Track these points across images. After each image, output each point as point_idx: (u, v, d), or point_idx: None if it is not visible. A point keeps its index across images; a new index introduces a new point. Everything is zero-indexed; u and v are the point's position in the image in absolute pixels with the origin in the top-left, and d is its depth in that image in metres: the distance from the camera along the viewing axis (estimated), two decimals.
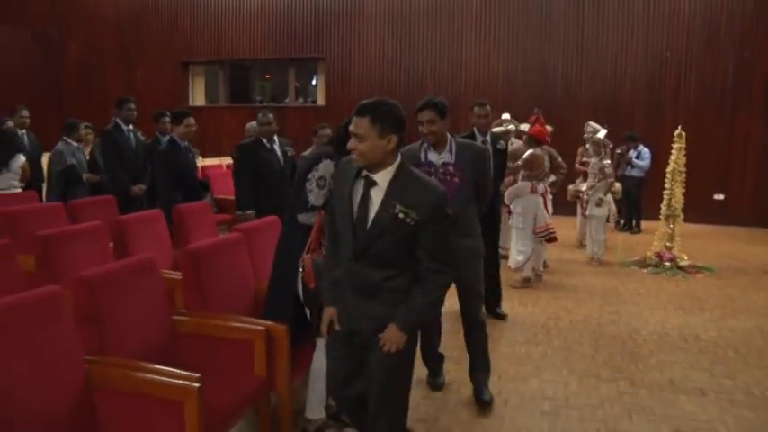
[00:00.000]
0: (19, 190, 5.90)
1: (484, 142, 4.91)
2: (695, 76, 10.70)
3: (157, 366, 2.43)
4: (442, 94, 11.48)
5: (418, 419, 3.46)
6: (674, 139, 7.36)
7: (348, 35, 12.34)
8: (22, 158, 5.97)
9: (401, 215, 2.24)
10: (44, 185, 7.12)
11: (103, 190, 6.14)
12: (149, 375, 2.38)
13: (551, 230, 6.30)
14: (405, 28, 11.99)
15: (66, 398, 2.28)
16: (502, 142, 5.17)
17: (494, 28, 11.53)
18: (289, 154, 5.47)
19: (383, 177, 2.28)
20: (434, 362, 3.96)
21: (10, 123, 6.49)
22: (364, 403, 2.48)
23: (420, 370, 3.98)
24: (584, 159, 8.30)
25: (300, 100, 13.57)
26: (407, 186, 2.27)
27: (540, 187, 6.30)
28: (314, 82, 13.57)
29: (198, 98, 13.88)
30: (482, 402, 3.60)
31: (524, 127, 7.25)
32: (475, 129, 4.96)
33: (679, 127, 7.38)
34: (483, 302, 3.76)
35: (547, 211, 6.39)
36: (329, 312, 2.51)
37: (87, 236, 3.88)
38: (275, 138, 5.50)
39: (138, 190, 5.93)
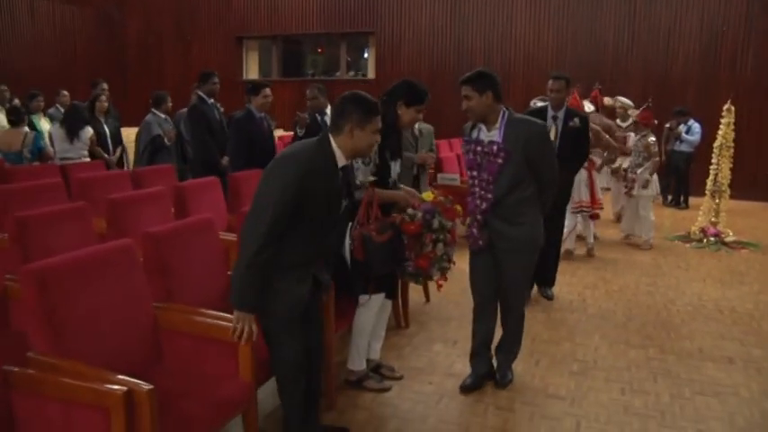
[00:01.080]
0: (88, 159, 6.36)
1: (554, 118, 4.74)
2: (753, 50, 10.41)
3: (216, 313, 2.73)
4: (491, 67, 11.39)
5: (453, 375, 3.71)
6: (723, 113, 7.29)
7: (398, 9, 12.44)
8: (90, 130, 6.41)
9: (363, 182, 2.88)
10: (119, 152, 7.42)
11: (191, 162, 6.45)
12: (209, 320, 2.69)
13: (585, 208, 6.28)
14: (455, 1, 12.02)
15: (138, 336, 2.63)
16: (576, 119, 4.78)
17: (544, 0, 11.45)
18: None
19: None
20: (484, 366, 3.62)
21: (103, 97, 6.85)
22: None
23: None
24: (617, 134, 8.20)
25: (351, 73, 13.78)
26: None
27: None
28: (365, 55, 13.76)
29: (252, 73, 14.25)
30: (499, 384, 3.53)
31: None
32: (548, 103, 4.81)
33: (728, 101, 7.30)
34: (523, 298, 3.54)
35: (593, 186, 6.34)
36: (250, 319, 2.49)
37: (152, 200, 4.24)
38: (327, 111, 5.61)
39: (226, 162, 6.07)
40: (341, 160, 2.56)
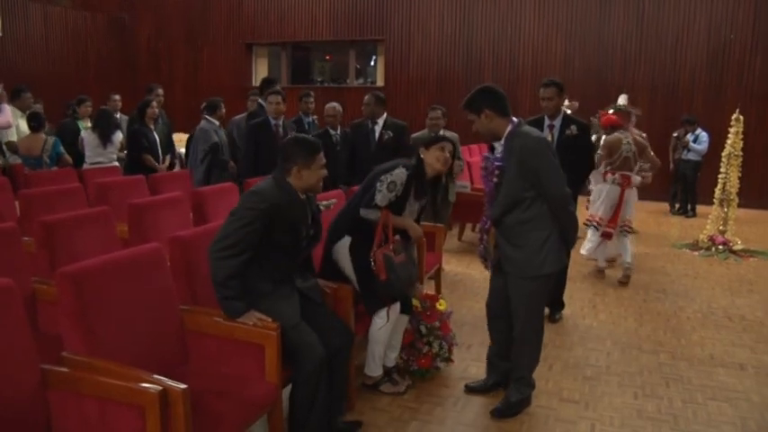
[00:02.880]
0: (117, 163, 6.44)
1: (551, 127, 4.56)
2: (760, 58, 10.47)
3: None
4: (500, 75, 11.75)
5: (468, 378, 3.76)
6: (732, 122, 7.35)
7: (408, 17, 12.54)
8: (120, 134, 6.51)
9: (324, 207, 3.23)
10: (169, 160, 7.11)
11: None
12: (233, 323, 2.75)
13: (597, 222, 5.87)
14: (464, 9, 12.11)
15: (165, 337, 2.70)
16: (574, 126, 4.55)
17: (552, 8, 11.53)
18: (385, 137, 5.59)
19: None
20: (495, 375, 3.56)
21: (154, 103, 6.70)
22: None
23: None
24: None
25: (360, 80, 13.88)
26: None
27: (615, 176, 5.77)
28: (372, 63, 13.86)
29: (260, 79, 14.35)
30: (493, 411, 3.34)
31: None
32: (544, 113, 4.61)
33: (737, 110, 7.36)
34: (531, 329, 3.27)
35: (620, 205, 5.80)
36: (252, 313, 2.74)
37: (171, 205, 4.31)
38: (379, 120, 5.64)
39: None
40: (301, 196, 2.88)
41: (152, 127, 6.62)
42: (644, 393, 3.64)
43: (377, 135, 5.61)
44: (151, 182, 5.56)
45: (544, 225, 3.08)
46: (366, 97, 5.72)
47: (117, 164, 6.42)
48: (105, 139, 6.33)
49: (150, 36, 14.61)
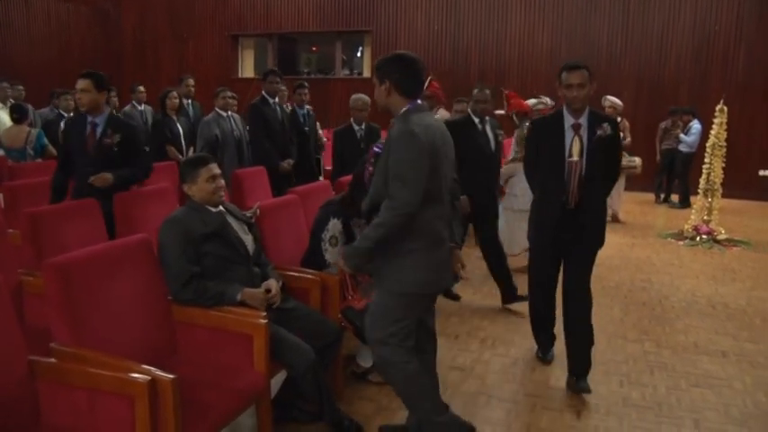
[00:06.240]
0: None
1: (576, 127, 3.29)
2: (744, 51, 10.57)
3: (229, 306, 2.80)
4: (486, 67, 11.79)
5: (456, 368, 3.81)
6: (716, 113, 7.41)
7: (394, 8, 12.51)
8: None
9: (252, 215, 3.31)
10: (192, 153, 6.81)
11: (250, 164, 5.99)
12: (222, 313, 2.76)
13: None
14: (451, 1, 12.11)
15: (154, 327, 2.71)
16: (606, 125, 3.31)
17: (539, 1, 11.56)
18: (500, 138, 4.83)
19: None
20: None
21: (173, 93, 6.51)
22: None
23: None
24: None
25: (347, 71, 13.85)
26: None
27: None
28: (358, 54, 13.83)
29: (247, 71, 14.29)
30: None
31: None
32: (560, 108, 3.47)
33: (721, 101, 7.42)
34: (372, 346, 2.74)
35: None
36: (254, 293, 2.85)
37: (158, 196, 4.29)
38: (488, 118, 4.80)
39: (287, 165, 5.78)
40: (212, 209, 2.97)
41: (175, 118, 6.50)
42: (629, 381, 3.69)
43: (491, 135, 4.76)
44: None
45: (405, 233, 2.51)
46: (480, 92, 4.66)
47: None
48: None
49: (135, 27, 14.48)
